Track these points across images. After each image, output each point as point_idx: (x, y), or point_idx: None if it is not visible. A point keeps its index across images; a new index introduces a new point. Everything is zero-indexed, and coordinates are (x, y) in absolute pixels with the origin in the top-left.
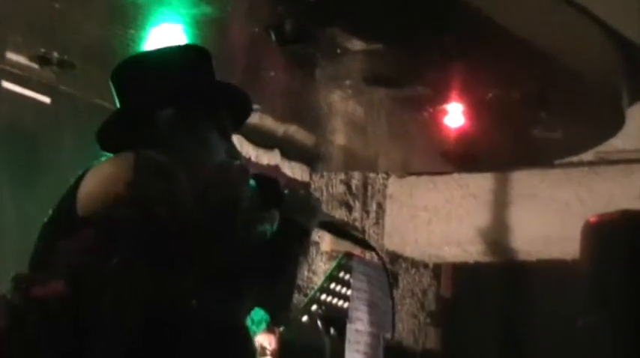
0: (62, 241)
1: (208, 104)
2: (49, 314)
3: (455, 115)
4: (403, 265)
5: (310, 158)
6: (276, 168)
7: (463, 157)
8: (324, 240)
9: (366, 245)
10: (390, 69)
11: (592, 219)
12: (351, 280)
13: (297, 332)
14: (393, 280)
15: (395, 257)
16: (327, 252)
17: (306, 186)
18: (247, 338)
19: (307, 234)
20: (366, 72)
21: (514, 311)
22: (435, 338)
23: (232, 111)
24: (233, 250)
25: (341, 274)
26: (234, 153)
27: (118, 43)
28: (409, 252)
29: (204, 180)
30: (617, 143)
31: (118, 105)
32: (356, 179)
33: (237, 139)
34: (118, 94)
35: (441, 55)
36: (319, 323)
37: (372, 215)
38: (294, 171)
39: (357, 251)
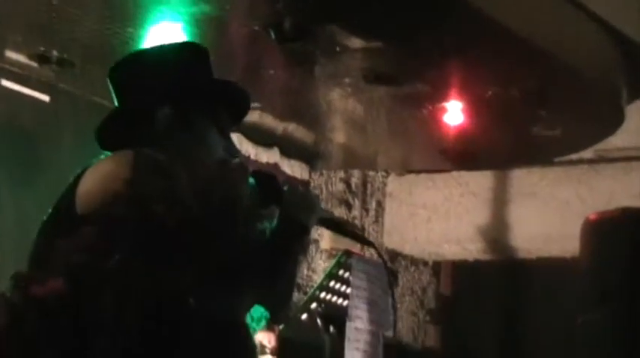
0: (61, 239)
1: (207, 102)
2: (49, 313)
3: (454, 113)
4: (403, 263)
5: (310, 156)
6: (276, 166)
7: (462, 155)
8: (324, 238)
9: (365, 241)
10: (390, 67)
11: (592, 217)
12: (351, 278)
13: (297, 330)
14: (392, 278)
15: (394, 255)
16: (326, 250)
17: (305, 184)
18: (247, 336)
19: (306, 230)
20: (366, 70)
21: (514, 308)
22: (434, 336)
23: (231, 109)
24: (232, 248)
25: (340, 272)
26: (232, 150)
27: (117, 42)
28: (408, 249)
29: (203, 178)
30: (617, 141)
31: (117, 103)
32: (355, 177)
33: (236, 137)
34: (116, 93)
35: (440, 52)
36: (319, 321)
37: (372, 213)
38: (294, 169)
39: (356, 248)
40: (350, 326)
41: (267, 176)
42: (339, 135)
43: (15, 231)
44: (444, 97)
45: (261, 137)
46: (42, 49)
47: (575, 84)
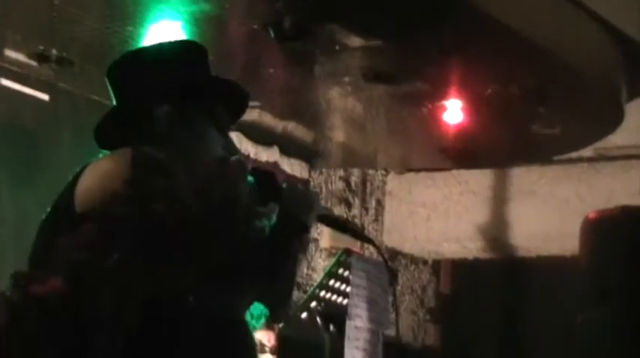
0: (61, 238)
1: (205, 99)
2: (49, 311)
3: (454, 112)
4: (402, 262)
5: (309, 155)
6: (275, 164)
7: (462, 154)
8: (324, 237)
9: (364, 238)
10: (389, 65)
11: (591, 215)
12: (351, 277)
13: (297, 328)
14: (393, 277)
15: (394, 253)
16: (326, 249)
17: (305, 182)
18: (247, 334)
19: (306, 227)
20: (365, 68)
21: (513, 307)
22: (434, 335)
23: (229, 107)
24: (232, 246)
25: (340, 271)
26: (232, 148)
27: (116, 41)
28: (408, 248)
29: (202, 176)
30: (616, 139)
31: (115, 102)
32: (355, 176)
33: (236, 136)
34: (114, 91)
35: (439, 51)
36: (318, 319)
37: (371, 211)
38: (293, 167)
39: (356, 247)
40: (350, 325)
41: (266, 174)
42: (338, 134)
43: (15, 230)
44: (443, 96)
45: (261, 136)
46: (41, 47)
47: (574, 82)
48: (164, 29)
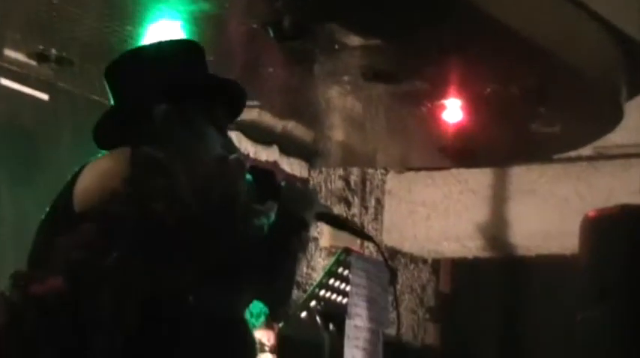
0: (60, 237)
1: (204, 98)
2: (48, 311)
3: (453, 111)
4: (402, 261)
5: (309, 154)
6: (275, 164)
7: (461, 153)
8: (323, 236)
9: (364, 236)
10: (389, 64)
11: (591, 214)
12: (350, 276)
13: (296, 328)
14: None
15: (394, 252)
16: (325, 248)
17: (304, 182)
18: (247, 332)
19: (305, 225)
20: (365, 67)
21: (513, 306)
22: (434, 334)
23: (227, 105)
24: (231, 245)
25: (340, 270)
26: (231, 147)
27: (116, 40)
28: (408, 247)
29: (201, 175)
30: (616, 138)
31: (113, 102)
32: (354, 175)
33: (235, 135)
34: (112, 91)
35: (439, 50)
36: (318, 319)
37: (371, 211)
38: (293, 167)
39: (356, 246)
40: (349, 324)
41: (265, 172)
42: (338, 133)
43: (14, 230)
44: (443, 95)
45: (261, 135)
46: (41, 47)
47: (574, 82)
48: (163, 28)
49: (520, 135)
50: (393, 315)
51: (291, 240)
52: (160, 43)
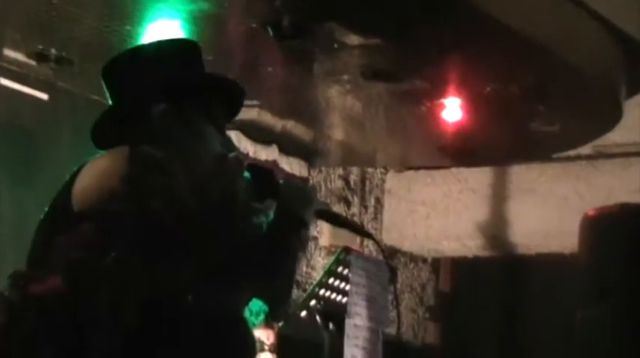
0: (58, 237)
1: (202, 97)
2: (47, 311)
3: (453, 109)
4: (402, 260)
5: (308, 153)
6: (275, 163)
7: (461, 152)
8: (323, 235)
9: (363, 233)
10: (388, 63)
11: (590, 213)
12: (350, 275)
13: (296, 327)
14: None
15: (393, 251)
16: (325, 247)
17: (304, 180)
18: (246, 331)
19: (304, 223)
20: (364, 66)
21: (513, 305)
22: (434, 333)
23: (226, 104)
24: (230, 243)
25: (339, 269)
26: (229, 145)
27: (115, 40)
28: (408, 246)
29: (200, 174)
30: (615, 137)
31: (111, 101)
32: (354, 174)
33: (235, 135)
34: (110, 91)
35: (438, 49)
36: (318, 318)
37: (371, 210)
38: (292, 166)
39: (355, 245)
40: (349, 323)
41: (263, 170)
42: (337, 133)
43: (14, 229)
44: (442, 94)
45: (260, 134)
46: (40, 47)
47: (574, 80)
48: (163, 28)
49: (520, 134)
50: (392, 314)
51: (290, 238)
52: (157, 43)
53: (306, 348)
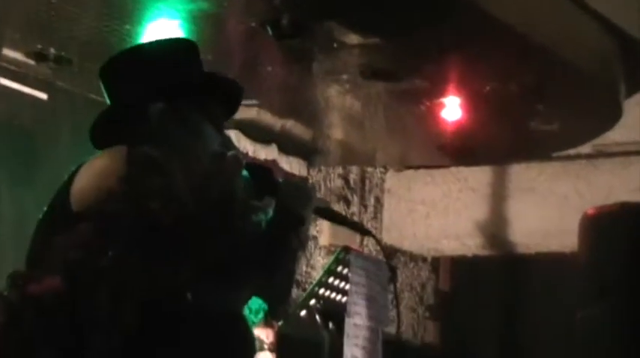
0: (57, 237)
1: (199, 96)
2: (45, 311)
3: (452, 109)
4: (401, 259)
5: (308, 152)
6: (274, 162)
7: (461, 151)
8: (323, 235)
9: (363, 230)
10: (387, 63)
11: (590, 212)
12: (349, 274)
13: (296, 326)
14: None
15: (393, 251)
16: (325, 247)
17: (303, 179)
18: (246, 329)
19: (303, 221)
20: (363, 66)
21: (513, 304)
22: (433, 332)
23: (224, 102)
24: (229, 242)
25: (339, 268)
26: (227, 144)
27: (114, 39)
28: (407, 245)
29: (198, 173)
30: (615, 136)
31: (109, 101)
32: (354, 173)
33: (234, 134)
34: (107, 91)
35: (438, 48)
36: (318, 317)
37: (370, 209)
38: (292, 165)
39: (355, 244)
40: (349, 323)
41: (262, 168)
42: (337, 132)
43: (14, 229)
44: (441, 93)
45: (260, 134)
46: (39, 46)
47: (573, 79)
48: (162, 27)
49: (519, 133)
50: (392, 313)
51: (289, 235)
52: (154, 42)
53: (305, 347)
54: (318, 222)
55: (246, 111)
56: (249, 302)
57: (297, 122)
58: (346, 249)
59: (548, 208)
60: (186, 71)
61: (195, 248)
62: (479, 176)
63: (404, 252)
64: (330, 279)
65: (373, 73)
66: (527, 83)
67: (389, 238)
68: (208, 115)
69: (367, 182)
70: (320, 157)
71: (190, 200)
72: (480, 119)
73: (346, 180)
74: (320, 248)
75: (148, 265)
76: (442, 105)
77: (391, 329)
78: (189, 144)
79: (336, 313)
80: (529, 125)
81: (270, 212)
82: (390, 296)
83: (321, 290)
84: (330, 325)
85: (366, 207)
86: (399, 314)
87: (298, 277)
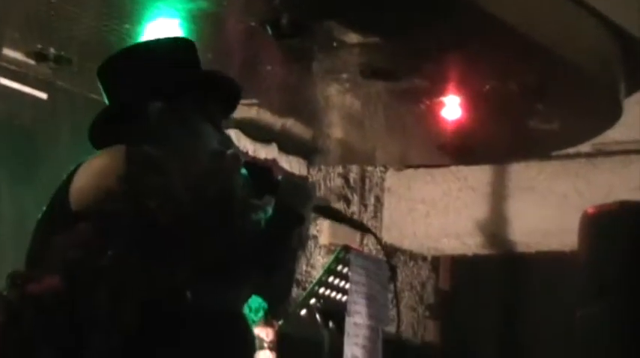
0: (56, 236)
1: (198, 95)
2: (45, 310)
3: (452, 108)
4: (401, 258)
5: (308, 152)
6: (274, 162)
7: (460, 150)
8: (323, 234)
9: (363, 228)
10: (387, 62)
11: (590, 211)
12: (349, 273)
13: (296, 325)
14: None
15: (393, 250)
16: (325, 246)
17: (303, 178)
18: (246, 328)
19: (302, 219)
20: (363, 65)
21: (513, 303)
22: (433, 331)
23: (222, 100)
24: (228, 241)
25: (339, 267)
26: (227, 142)
27: (114, 39)
28: (407, 244)
29: (197, 172)
30: (615, 134)
31: (107, 101)
32: (354, 172)
33: (234, 133)
34: (106, 90)
35: (437, 47)
36: (318, 316)
37: (370, 208)
38: (292, 164)
39: (354, 244)
40: (349, 322)
41: (262, 166)
42: (336, 131)
43: (14, 229)
44: (441, 92)
45: (259, 133)
46: (39, 46)
47: (573, 78)
48: (161, 27)
49: (519, 131)
50: (392, 313)
51: (289, 234)
52: (151, 41)
53: (305, 346)
54: (318, 221)
55: (246, 111)
56: (249, 300)
57: (297, 121)
58: (346, 248)
59: (548, 207)
60: (184, 70)
61: (195, 247)
62: (479, 175)
63: (404, 251)
64: (330, 278)
65: (373, 72)
66: (527, 82)
67: (389, 237)
68: (207, 114)
69: (367, 181)
70: (320, 156)
71: (189, 199)
72: (479, 118)
73: (346, 179)
74: (320, 247)
75: (148, 264)
76: (442, 105)
77: (391, 328)
78: (188, 143)
79: (336, 312)
80: (529, 124)
81: (270, 210)
82: (390, 295)
83: (321, 289)
84: (330, 324)
85: (366, 206)
86: (399, 313)
87: (298, 276)
